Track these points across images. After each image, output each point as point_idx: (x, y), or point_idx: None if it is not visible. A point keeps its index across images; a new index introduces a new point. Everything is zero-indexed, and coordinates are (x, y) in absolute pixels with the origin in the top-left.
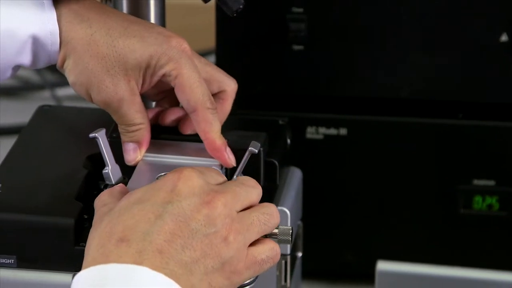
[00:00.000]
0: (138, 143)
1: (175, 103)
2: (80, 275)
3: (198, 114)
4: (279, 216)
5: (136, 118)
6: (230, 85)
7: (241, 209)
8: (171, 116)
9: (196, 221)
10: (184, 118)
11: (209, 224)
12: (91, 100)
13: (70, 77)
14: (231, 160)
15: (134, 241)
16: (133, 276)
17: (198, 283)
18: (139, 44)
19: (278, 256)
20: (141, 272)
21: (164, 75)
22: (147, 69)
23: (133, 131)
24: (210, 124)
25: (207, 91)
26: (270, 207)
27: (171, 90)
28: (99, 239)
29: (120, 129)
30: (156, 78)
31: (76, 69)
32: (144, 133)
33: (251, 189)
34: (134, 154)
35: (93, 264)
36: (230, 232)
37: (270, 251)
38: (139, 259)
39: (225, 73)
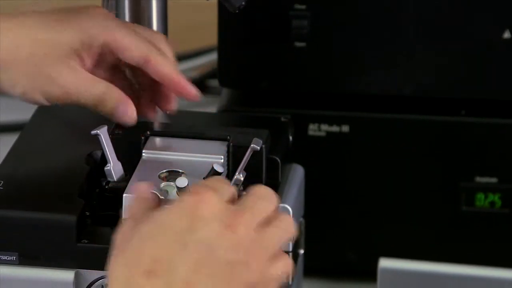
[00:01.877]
0: (121, 104)
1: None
2: None
3: (151, 60)
4: (295, 229)
5: (95, 88)
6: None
7: (260, 223)
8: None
9: (219, 247)
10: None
11: (232, 250)
12: (49, 101)
13: (16, 89)
14: (194, 91)
15: (161, 272)
16: None
17: None
18: (65, 31)
19: (290, 270)
20: None
21: (101, 46)
22: (82, 48)
23: (105, 101)
24: (164, 64)
25: (147, 40)
26: (288, 221)
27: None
28: (124, 268)
29: (102, 112)
30: (95, 51)
31: (15, 79)
32: (115, 95)
33: (268, 203)
34: (127, 113)
35: None
36: (253, 258)
37: (285, 266)
38: None
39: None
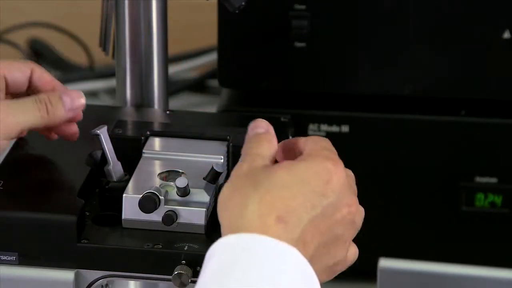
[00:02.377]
0: (64, 97)
1: None
2: (239, 236)
3: (36, 70)
4: None
5: (32, 107)
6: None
7: None
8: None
9: (335, 220)
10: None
11: (341, 226)
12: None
13: None
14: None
15: (291, 225)
16: (284, 257)
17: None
18: None
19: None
20: (292, 255)
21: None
22: None
23: (52, 112)
24: (45, 72)
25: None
26: (362, 212)
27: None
28: (259, 205)
29: (57, 119)
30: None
31: None
32: (52, 97)
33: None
34: (75, 100)
35: (250, 230)
36: (348, 238)
37: (356, 253)
38: (290, 243)
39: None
